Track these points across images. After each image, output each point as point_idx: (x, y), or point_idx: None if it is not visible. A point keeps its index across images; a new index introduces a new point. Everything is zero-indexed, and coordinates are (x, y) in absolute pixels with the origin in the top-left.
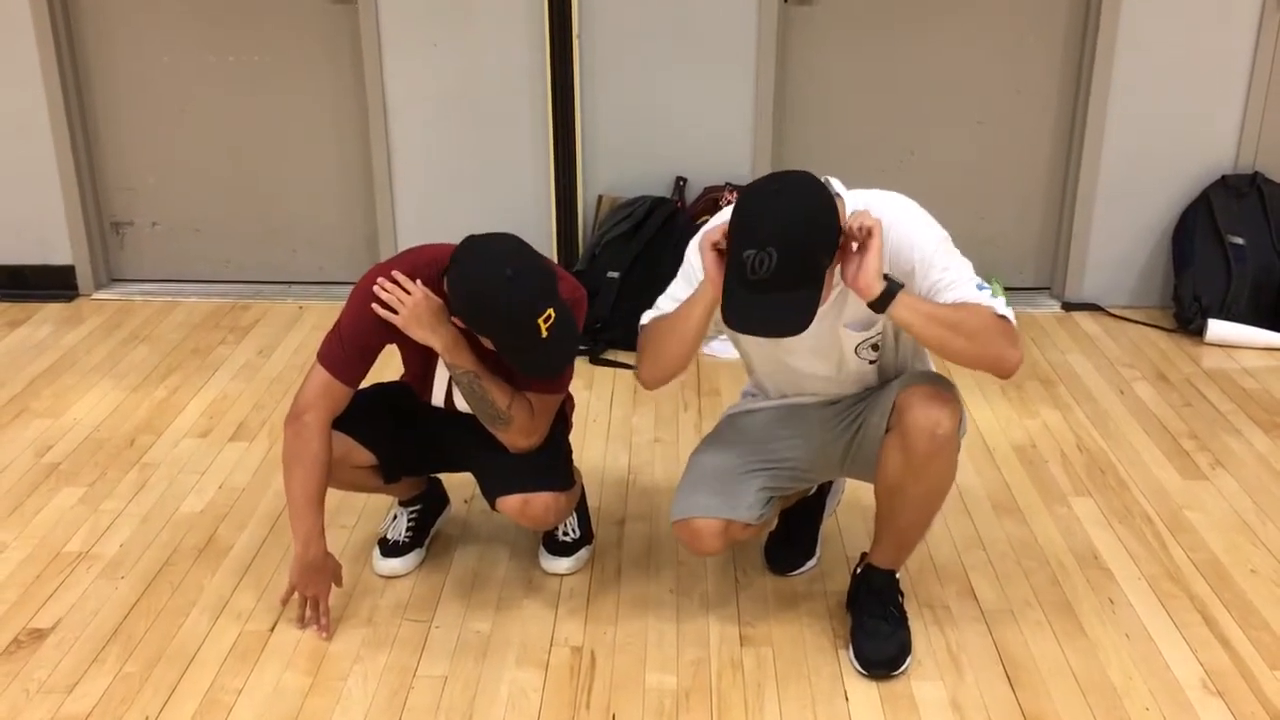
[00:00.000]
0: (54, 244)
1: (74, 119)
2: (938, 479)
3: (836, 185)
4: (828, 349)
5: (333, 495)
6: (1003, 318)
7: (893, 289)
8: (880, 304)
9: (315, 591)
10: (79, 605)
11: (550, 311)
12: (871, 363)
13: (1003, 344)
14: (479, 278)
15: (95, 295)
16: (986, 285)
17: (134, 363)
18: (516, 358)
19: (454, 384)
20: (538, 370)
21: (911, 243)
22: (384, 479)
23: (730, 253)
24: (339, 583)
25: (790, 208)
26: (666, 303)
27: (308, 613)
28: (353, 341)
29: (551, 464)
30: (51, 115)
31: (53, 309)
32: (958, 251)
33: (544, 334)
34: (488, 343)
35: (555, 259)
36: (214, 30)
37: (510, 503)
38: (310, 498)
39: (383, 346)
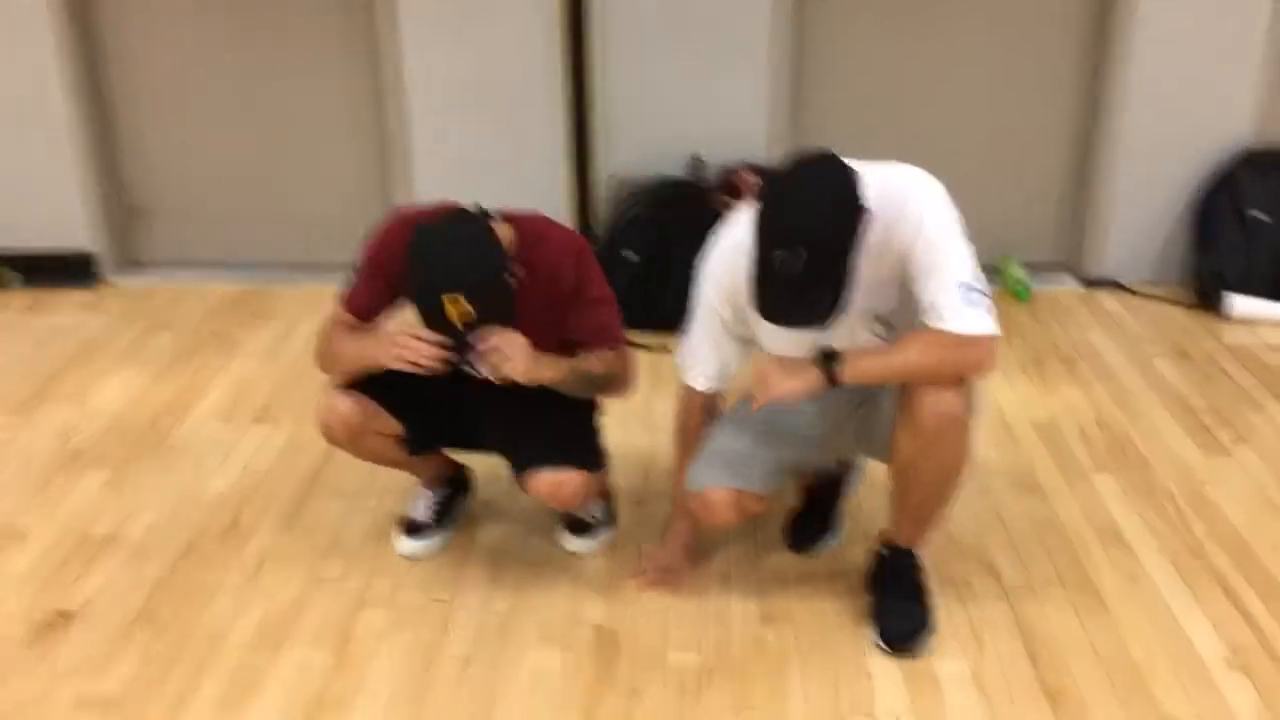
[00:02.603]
0: (74, 231)
1: (92, 106)
2: (949, 459)
3: (851, 165)
4: (840, 323)
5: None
6: (954, 334)
7: (831, 368)
8: (830, 379)
9: (408, 346)
10: (106, 588)
11: (460, 299)
12: (883, 339)
13: (959, 361)
14: (416, 236)
15: (115, 282)
16: (975, 287)
17: (156, 348)
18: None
19: (573, 372)
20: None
21: (919, 224)
22: (409, 450)
23: (758, 250)
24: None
25: (817, 205)
26: (692, 354)
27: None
28: (363, 272)
29: (583, 443)
30: (68, 103)
31: (73, 296)
32: (963, 238)
33: (452, 319)
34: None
35: None
36: (232, 16)
37: (542, 481)
38: (350, 341)
39: (393, 288)
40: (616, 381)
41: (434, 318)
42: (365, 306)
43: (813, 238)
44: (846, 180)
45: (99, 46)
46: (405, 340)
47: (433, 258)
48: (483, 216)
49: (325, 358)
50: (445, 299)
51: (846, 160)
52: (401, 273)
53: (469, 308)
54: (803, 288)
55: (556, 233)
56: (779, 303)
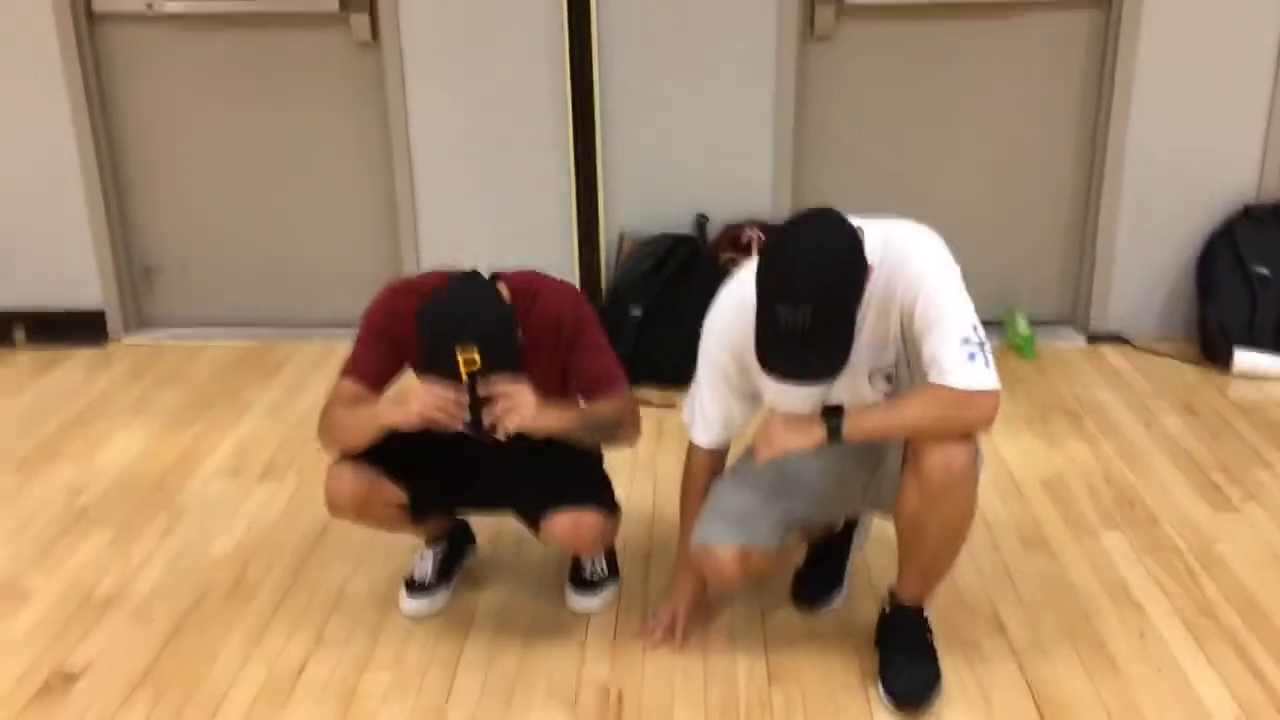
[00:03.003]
0: (84, 289)
1: (103, 164)
2: (956, 514)
3: (853, 221)
4: (843, 381)
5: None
6: (957, 390)
7: (834, 424)
8: (832, 437)
9: (435, 394)
10: (109, 648)
11: (472, 349)
12: (887, 395)
13: (963, 417)
14: (432, 292)
15: (125, 339)
16: (977, 341)
17: (163, 406)
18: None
19: (584, 422)
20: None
21: (920, 279)
22: (413, 517)
23: (762, 305)
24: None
25: (820, 261)
26: (697, 411)
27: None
28: (366, 341)
29: (595, 485)
30: (81, 161)
31: (83, 354)
32: (963, 293)
33: (463, 375)
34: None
35: None
36: (240, 75)
37: (561, 522)
38: (357, 411)
39: (398, 356)
40: (624, 428)
41: (444, 368)
42: (373, 373)
43: (817, 293)
44: (848, 236)
45: (112, 108)
46: (427, 392)
47: (444, 311)
48: (488, 278)
49: (333, 435)
50: (457, 349)
51: (847, 216)
52: (404, 338)
53: (477, 358)
54: (807, 343)
55: (551, 286)
56: (783, 358)
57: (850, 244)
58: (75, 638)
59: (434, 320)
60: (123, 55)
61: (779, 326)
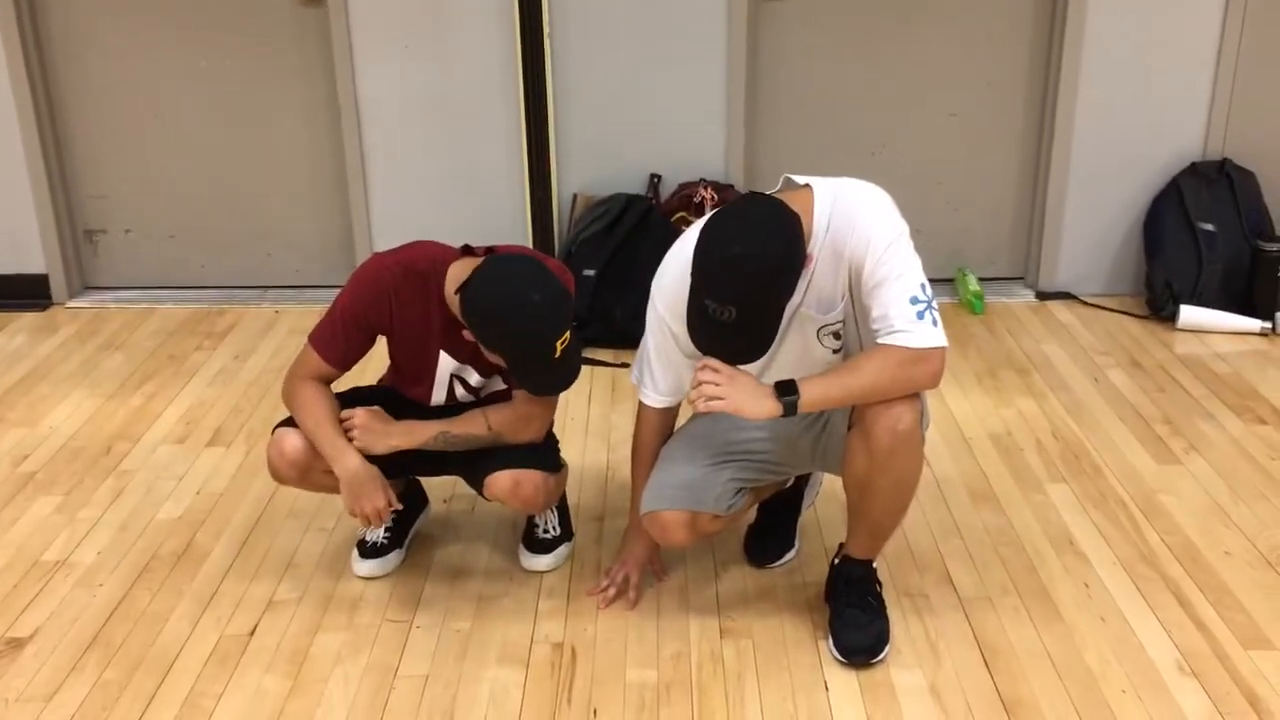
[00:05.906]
0: (27, 253)
1: (45, 127)
2: (904, 472)
3: (800, 179)
4: (792, 338)
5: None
6: (907, 349)
7: (790, 400)
8: (788, 412)
9: (372, 504)
10: (57, 613)
11: (567, 335)
12: (835, 352)
13: (915, 376)
14: (504, 299)
15: (69, 303)
16: (925, 300)
17: (109, 370)
18: (523, 376)
19: (438, 440)
20: (540, 389)
21: (869, 237)
22: None
23: (693, 290)
24: (389, 495)
25: (749, 268)
26: (646, 371)
27: (380, 532)
28: (343, 324)
29: (539, 447)
30: (22, 124)
31: (27, 318)
32: (911, 250)
33: (556, 355)
34: (494, 357)
35: None
36: (184, 35)
37: (500, 480)
38: (320, 420)
39: (372, 338)
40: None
41: (545, 360)
42: (343, 358)
43: (741, 297)
44: (785, 232)
45: (53, 69)
46: (373, 504)
47: (536, 310)
48: (491, 253)
49: (293, 413)
50: (558, 342)
51: (797, 178)
52: (383, 321)
53: (568, 341)
54: (730, 335)
55: (554, 267)
56: (708, 343)
57: (784, 244)
58: (23, 603)
59: (529, 322)
60: (63, 16)
61: (705, 316)
